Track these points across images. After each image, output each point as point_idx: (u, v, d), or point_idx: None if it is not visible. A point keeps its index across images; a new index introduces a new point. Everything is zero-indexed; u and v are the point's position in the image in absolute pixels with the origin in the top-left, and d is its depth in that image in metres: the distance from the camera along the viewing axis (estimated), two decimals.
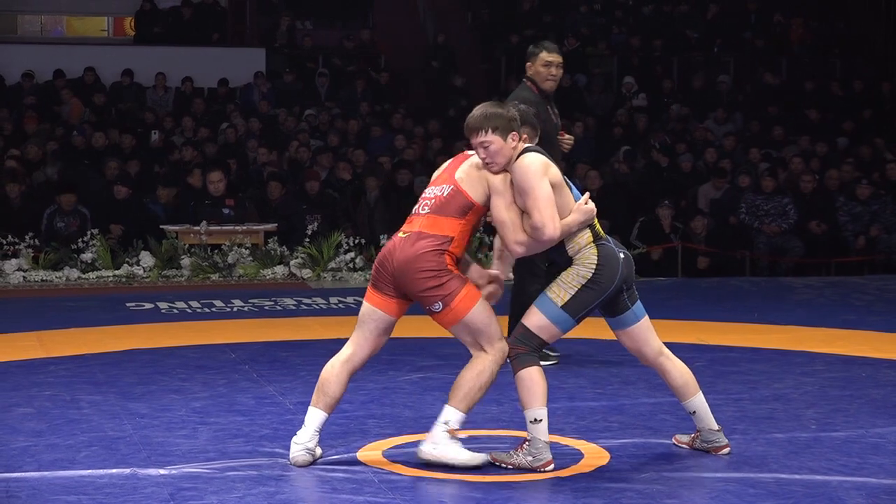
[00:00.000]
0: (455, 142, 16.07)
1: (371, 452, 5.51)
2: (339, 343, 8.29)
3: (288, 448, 5.42)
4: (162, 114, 16.65)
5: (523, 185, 5.18)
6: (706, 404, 5.50)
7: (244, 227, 12.48)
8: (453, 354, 7.96)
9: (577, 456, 5.47)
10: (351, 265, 12.12)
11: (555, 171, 5.27)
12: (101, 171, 14.05)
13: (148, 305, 10.37)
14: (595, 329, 8.60)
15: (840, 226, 14.08)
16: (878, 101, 18.60)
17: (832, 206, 14.26)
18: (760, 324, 9.30)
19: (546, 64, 7.92)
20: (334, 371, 5.38)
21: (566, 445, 5.63)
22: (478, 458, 5.26)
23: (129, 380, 7.14)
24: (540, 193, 5.15)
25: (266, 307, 10.27)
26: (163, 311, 10.10)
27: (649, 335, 5.44)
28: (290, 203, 13.35)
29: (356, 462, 5.36)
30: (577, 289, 5.24)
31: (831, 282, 12.25)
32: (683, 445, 5.62)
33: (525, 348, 5.27)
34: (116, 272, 12.07)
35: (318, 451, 5.36)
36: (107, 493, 4.89)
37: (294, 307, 10.28)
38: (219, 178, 12.87)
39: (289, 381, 7.09)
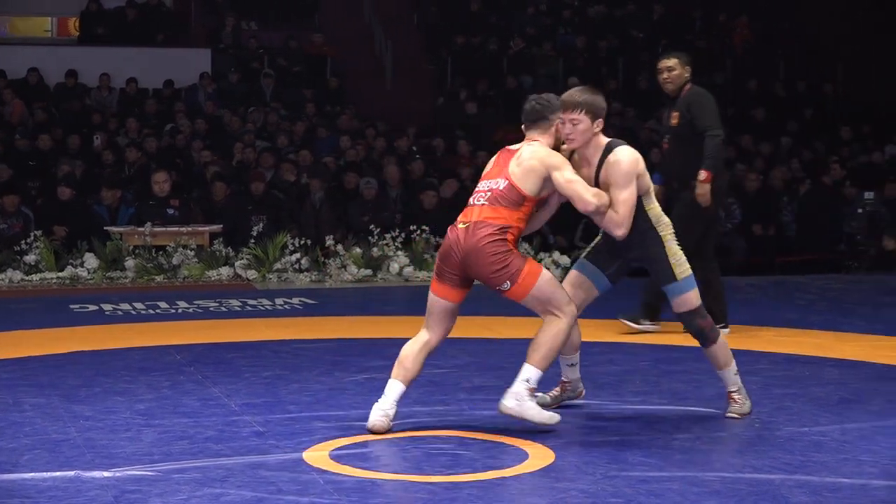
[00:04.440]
0: (396, 140, 16.13)
1: (317, 453, 5.48)
2: (285, 344, 8.42)
3: (234, 450, 5.42)
4: (107, 115, 16.52)
5: (619, 179, 5.80)
6: None
7: (189, 228, 12.41)
8: (398, 355, 7.96)
9: (522, 456, 5.46)
10: (296, 266, 12.09)
11: (643, 167, 5.88)
12: (48, 172, 13.93)
13: (92, 307, 10.28)
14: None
15: (784, 225, 14.20)
16: (820, 101, 18.79)
17: (776, 206, 14.37)
18: None
19: None
20: (414, 351, 5.86)
21: (511, 445, 5.63)
22: (554, 418, 5.78)
23: (72, 382, 7.07)
24: (629, 196, 5.80)
25: (211, 308, 10.21)
26: (107, 312, 10.02)
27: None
28: (236, 204, 13.30)
29: (302, 463, 5.33)
30: (678, 248, 6.01)
31: (775, 281, 12.35)
32: (552, 406, 6.18)
33: (710, 320, 6.08)
34: (60, 274, 11.97)
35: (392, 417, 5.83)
36: (50, 496, 4.84)
37: (239, 308, 10.24)
38: (163, 178, 12.80)
39: (234, 383, 7.04)
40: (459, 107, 17.79)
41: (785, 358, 7.93)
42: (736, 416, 6.14)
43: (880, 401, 6.61)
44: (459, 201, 13.86)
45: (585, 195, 5.76)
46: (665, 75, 8.67)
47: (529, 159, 5.78)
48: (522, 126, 5.99)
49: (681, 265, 6.02)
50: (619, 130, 16.63)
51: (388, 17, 20.17)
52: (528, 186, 5.75)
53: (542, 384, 5.95)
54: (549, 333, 5.75)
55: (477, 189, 5.88)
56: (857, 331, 9.04)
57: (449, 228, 5.84)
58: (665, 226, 6.04)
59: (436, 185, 14.01)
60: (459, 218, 5.83)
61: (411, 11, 20.65)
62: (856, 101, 19.45)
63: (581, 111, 5.78)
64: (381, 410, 5.78)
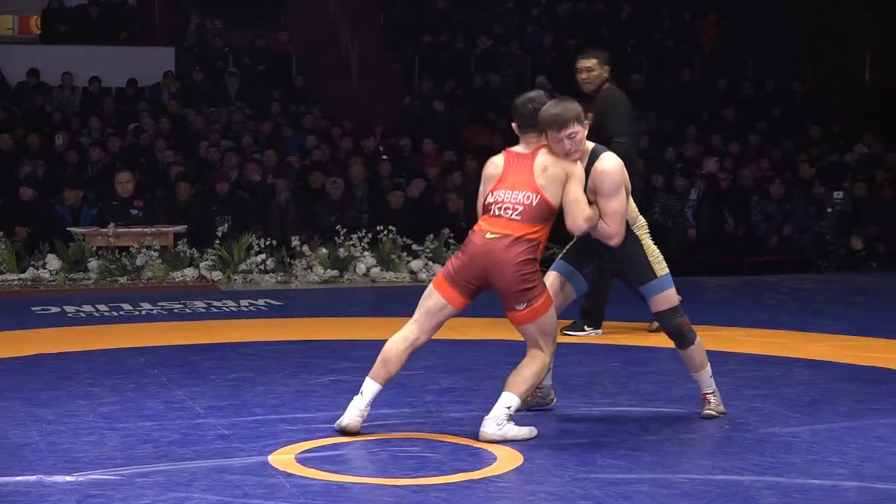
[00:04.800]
0: (362, 140, 16.07)
1: (283, 456, 5.44)
2: (250, 346, 8.36)
3: (198, 453, 5.40)
4: (69, 114, 16.39)
5: (609, 188, 5.78)
6: None
7: (153, 229, 12.32)
8: (367, 357, 7.90)
9: (490, 458, 5.43)
10: (262, 267, 12.01)
11: (625, 174, 5.88)
12: (10, 172, 13.81)
13: (54, 309, 10.18)
14: (509, 330, 8.62)
15: (753, 225, 14.22)
16: (789, 100, 18.85)
17: (746, 205, 14.39)
18: None
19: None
20: (398, 350, 5.77)
21: (479, 448, 5.59)
22: (533, 431, 5.77)
23: (34, 385, 6.99)
24: (619, 206, 5.81)
25: (175, 310, 10.13)
26: (69, 314, 9.92)
27: None
28: (200, 204, 13.21)
29: (268, 466, 5.29)
30: (655, 247, 6.03)
31: (744, 281, 12.36)
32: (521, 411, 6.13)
33: (686, 320, 6.08)
34: (22, 275, 11.84)
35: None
36: (12, 500, 4.78)
37: (204, 310, 10.16)
38: (127, 178, 12.71)
39: (199, 386, 6.99)
40: (426, 106, 17.76)
41: (755, 358, 7.92)
42: (714, 413, 6.14)
43: (850, 401, 6.62)
44: (426, 201, 13.99)
45: (580, 220, 5.71)
46: (584, 75, 8.60)
47: (554, 168, 5.70)
48: (515, 126, 5.86)
49: (659, 262, 6.03)
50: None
51: (353, 16, 20.11)
52: (556, 199, 5.69)
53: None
54: (534, 369, 5.76)
55: (496, 199, 5.71)
56: (826, 331, 9.04)
57: (473, 235, 5.72)
58: (641, 226, 6.04)
59: (403, 184, 13.96)
60: (485, 226, 5.69)
61: (377, 10, 20.60)
62: (825, 100, 19.54)
63: (575, 123, 5.73)
64: (358, 410, 5.72)
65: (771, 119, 18.07)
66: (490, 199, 5.75)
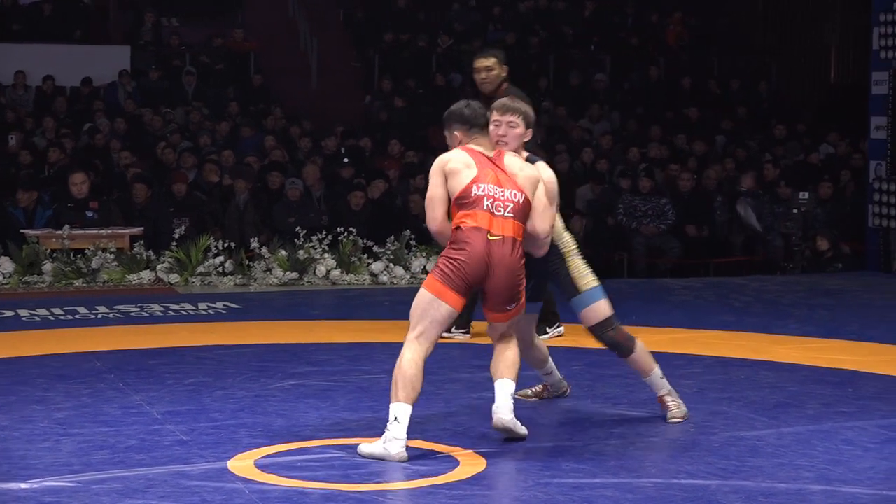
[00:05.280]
0: (322, 139, 15.97)
1: (242, 462, 5.39)
2: (208, 350, 8.26)
3: (156, 459, 5.37)
4: (22, 113, 16.21)
5: (551, 196, 5.83)
6: None
7: (109, 231, 12.18)
8: (325, 361, 7.87)
9: (453, 463, 5.40)
10: (220, 269, 11.89)
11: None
12: None
13: (8, 313, 10.03)
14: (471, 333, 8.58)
15: (718, 226, 14.22)
16: (755, 99, 18.89)
17: (710, 206, 14.39)
18: (639, 326, 9.24)
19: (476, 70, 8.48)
20: (420, 369, 5.55)
21: (442, 453, 5.57)
22: (525, 430, 5.81)
23: None
24: (554, 212, 5.87)
25: (132, 313, 10.02)
26: (23, 318, 9.79)
27: None
28: (157, 206, 13.08)
29: (227, 472, 5.24)
30: (582, 263, 6.11)
31: (710, 283, 12.34)
32: (532, 399, 6.56)
33: (622, 332, 6.14)
34: None
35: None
36: None
37: (161, 313, 10.05)
38: (82, 179, 12.55)
39: (156, 390, 6.91)
40: (388, 105, 17.67)
41: (720, 361, 7.92)
42: (678, 419, 6.12)
43: (816, 404, 6.62)
44: (387, 202, 13.90)
45: (548, 224, 5.79)
46: (483, 75, 8.52)
47: (529, 170, 5.77)
48: (461, 133, 5.82)
49: (583, 278, 6.09)
50: (550, 129, 16.62)
51: (313, 14, 20.01)
52: (531, 199, 5.76)
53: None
54: (516, 351, 5.81)
55: (486, 192, 5.65)
56: (792, 333, 9.06)
57: (470, 234, 5.60)
58: (566, 242, 6.13)
59: (363, 185, 13.87)
60: (485, 226, 5.60)
61: (337, 7, 20.50)
62: (790, 99, 19.61)
63: (519, 116, 5.84)
64: (401, 441, 5.40)
65: (736, 118, 18.10)
66: (479, 192, 5.64)
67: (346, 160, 15.00)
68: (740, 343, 8.59)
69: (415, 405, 5.50)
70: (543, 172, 5.87)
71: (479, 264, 5.58)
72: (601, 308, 6.10)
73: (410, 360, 5.53)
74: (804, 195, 13.53)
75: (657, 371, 6.16)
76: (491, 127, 5.82)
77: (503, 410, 5.65)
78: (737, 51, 20.24)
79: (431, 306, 5.59)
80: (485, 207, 5.63)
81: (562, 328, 8.70)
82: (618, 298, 10.83)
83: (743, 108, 18.43)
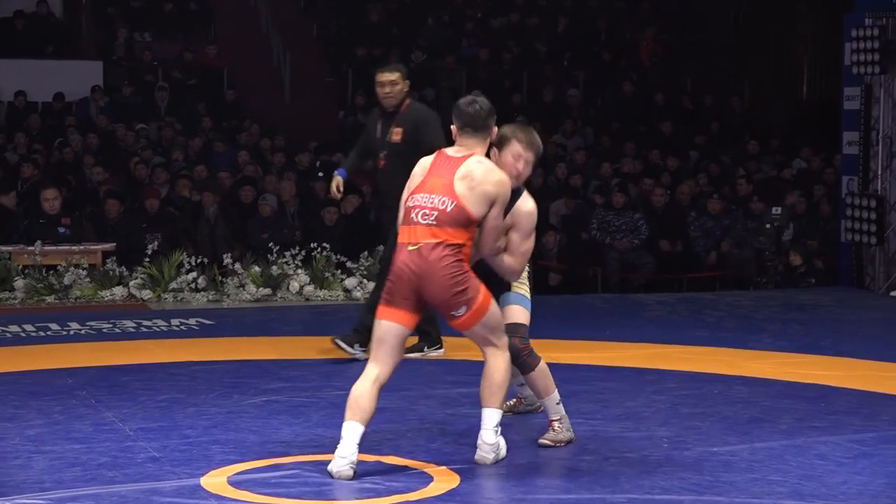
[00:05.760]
0: (295, 154, 15.93)
1: (215, 479, 5.37)
2: (181, 366, 8.22)
3: (128, 476, 5.33)
4: None
5: (527, 228, 5.79)
6: None
7: (81, 247, 12.11)
8: (298, 377, 7.83)
9: (426, 479, 5.38)
10: (193, 285, 11.84)
11: None
12: None
13: None
14: (447, 349, 8.54)
15: (691, 241, 14.23)
16: (728, 114, 18.95)
17: (684, 221, 14.40)
18: (612, 341, 9.30)
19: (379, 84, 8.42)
20: (366, 389, 5.49)
21: (415, 469, 5.55)
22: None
23: None
24: (530, 246, 5.82)
25: (104, 330, 9.95)
26: None
27: None
28: (129, 221, 13.02)
29: (199, 490, 5.22)
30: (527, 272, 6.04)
31: (683, 298, 12.33)
32: (507, 414, 6.26)
33: (528, 345, 5.92)
34: None
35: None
36: None
37: (134, 329, 9.99)
38: (54, 195, 12.48)
39: (128, 407, 6.86)
40: (361, 120, 17.64)
41: (693, 376, 7.90)
42: (549, 442, 5.98)
43: (789, 419, 6.62)
44: (361, 217, 13.87)
45: (491, 246, 5.67)
46: (388, 89, 8.51)
47: (485, 184, 5.54)
48: (455, 128, 5.71)
49: (521, 285, 6.03)
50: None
51: (286, 29, 19.98)
52: (479, 211, 5.54)
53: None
54: (501, 373, 5.65)
55: (415, 203, 5.57)
56: (765, 348, 9.04)
57: (399, 252, 5.55)
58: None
59: (337, 201, 13.81)
60: (403, 239, 5.55)
61: (310, 22, 20.47)
62: (763, 114, 19.68)
63: (535, 155, 5.86)
64: (344, 459, 5.37)
65: (709, 134, 18.15)
66: (410, 203, 5.61)
67: (320, 174, 14.94)
68: (714, 358, 8.57)
69: (367, 424, 5.44)
70: (522, 204, 5.79)
71: (405, 277, 5.50)
72: (519, 313, 5.98)
73: (358, 381, 5.53)
74: (777, 210, 13.55)
75: (555, 395, 6.04)
76: (509, 160, 5.77)
77: (485, 449, 5.61)
78: (710, 66, 20.29)
79: (379, 328, 5.58)
80: (410, 218, 5.57)
81: (442, 349, 8.55)
82: (591, 314, 11.04)
83: (716, 123, 18.48)
